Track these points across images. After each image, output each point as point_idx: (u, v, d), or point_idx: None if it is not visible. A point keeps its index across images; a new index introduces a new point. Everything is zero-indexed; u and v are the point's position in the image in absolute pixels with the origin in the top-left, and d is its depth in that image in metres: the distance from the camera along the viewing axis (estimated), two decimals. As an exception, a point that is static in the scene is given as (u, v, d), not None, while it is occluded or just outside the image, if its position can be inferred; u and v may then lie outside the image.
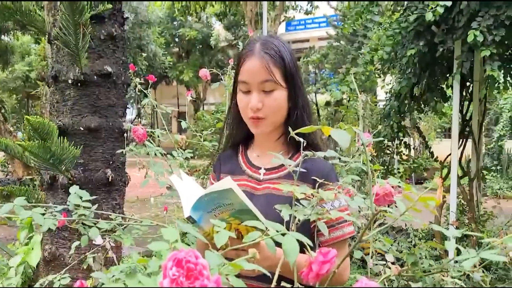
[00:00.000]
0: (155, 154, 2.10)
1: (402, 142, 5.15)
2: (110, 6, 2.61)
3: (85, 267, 1.67)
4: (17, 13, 2.92)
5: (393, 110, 4.83)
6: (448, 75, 4.54)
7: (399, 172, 5.42)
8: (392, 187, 0.83)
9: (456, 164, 4.27)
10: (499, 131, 13.05)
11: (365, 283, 0.57)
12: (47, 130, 2.30)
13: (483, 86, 4.27)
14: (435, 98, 4.70)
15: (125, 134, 2.78)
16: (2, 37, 12.40)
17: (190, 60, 23.93)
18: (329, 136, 0.70)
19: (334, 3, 15.63)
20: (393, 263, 1.30)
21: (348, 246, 1.30)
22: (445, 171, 4.89)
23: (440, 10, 3.55)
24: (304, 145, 1.09)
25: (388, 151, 5.17)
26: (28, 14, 2.94)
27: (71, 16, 2.34)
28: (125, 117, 2.87)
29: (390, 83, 6.05)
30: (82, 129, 2.63)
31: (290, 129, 1.00)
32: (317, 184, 1.04)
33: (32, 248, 3.09)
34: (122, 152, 2.25)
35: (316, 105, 14.59)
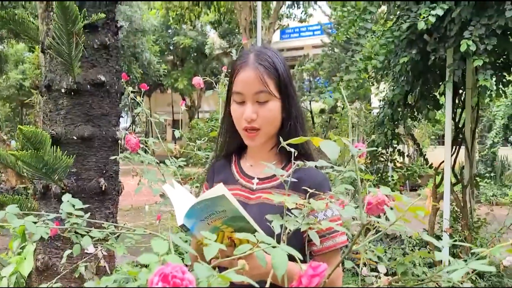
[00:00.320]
0: (148, 162, 2.10)
1: (396, 149, 5.17)
2: (103, 15, 2.61)
3: (77, 276, 1.66)
4: (11, 22, 2.92)
5: (387, 117, 4.86)
6: (440, 83, 4.57)
7: (393, 180, 5.43)
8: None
9: (449, 171, 4.29)
10: (492, 138, 13.13)
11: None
12: (40, 139, 2.29)
13: (475, 94, 4.30)
14: (428, 105, 4.73)
15: (119, 142, 2.77)
16: (-4, 45, 12.39)
17: (185, 68, 23.97)
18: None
19: (328, 11, 15.74)
20: (385, 274, 1.30)
21: (341, 256, 1.30)
22: (439, 178, 4.91)
23: (432, 19, 3.59)
24: (298, 155, 1.09)
25: (382, 159, 5.19)
26: (22, 23, 2.94)
27: (64, 25, 2.34)
28: (119, 126, 2.87)
29: (383, 91, 6.08)
30: (75, 138, 2.62)
31: (281, 139, 1.01)
32: (307, 194, 1.04)
33: (25, 258, 3.07)
34: (116, 159, 2.25)
35: (311, 112, 14.64)
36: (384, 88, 6.25)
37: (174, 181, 1.31)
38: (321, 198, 1.09)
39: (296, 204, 0.97)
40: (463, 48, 3.47)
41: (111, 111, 2.77)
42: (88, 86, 2.66)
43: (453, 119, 4.60)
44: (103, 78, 2.69)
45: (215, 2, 16.57)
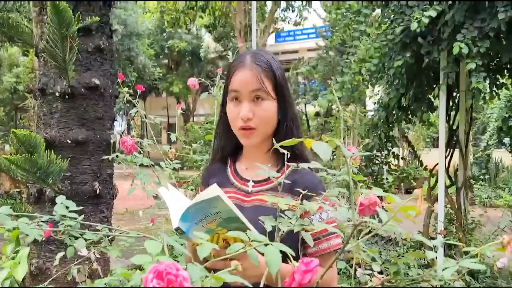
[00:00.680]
0: (142, 164, 2.11)
1: (391, 152, 5.19)
2: (97, 18, 2.61)
3: (69, 279, 1.66)
4: (5, 26, 2.91)
5: (381, 120, 4.88)
6: (434, 86, 4.60)
7: (388, 182, 5.45)
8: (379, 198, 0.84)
9: (443, 173, 4.31)
10: (486, 140, 13.20)
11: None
12: (34, 143, 2.28)
13: (469, 96, 4.32)
14: (422, 108, 4.75)
15: (113, 145, 2.77)
16: (-10, 49, 12.34)
17: (180, 71, 23.97)
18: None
19: (323, 14, 15.79)
20: (380, 272, 1.31)
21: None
22: (433, 180, 4.93)
23: (425, 20, 3.60)
24: (293, 157, 1.10)
25: (377, 161, 5.20)
26: (16, 27, 2.93)
27: (58, 29, 2.34)
28: (113, 130, 2.86)
29: (378, 94, 6.11)
30: (69, 141, 2.62)
31: (274, 141, 1.01)
32: (301, 196, 1.05)
33: (19, 262, 3.05)
34: (110, 163, 2.24)
35: (306, 116, 14.66)
36: (379, 91, 6.27)
37: (169, 184, 1.32)
38: (316, 200, 1.10)
39: (290, 206, 0.97)
40: (455, 50, 3.49)
41: (106, 114, 2.77)
42: (82, 90, 2.66)
43: (447, 121, 4.62)
44: (97, 82, 2.69)
45: (210, 6, 16.59)
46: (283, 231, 0.95)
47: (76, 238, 1.36)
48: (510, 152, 12.85)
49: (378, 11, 5.15)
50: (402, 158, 5.85)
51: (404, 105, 4.81)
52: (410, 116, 5.01)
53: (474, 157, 13.32)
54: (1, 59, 13.93)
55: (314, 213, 1.21)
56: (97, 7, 2.75)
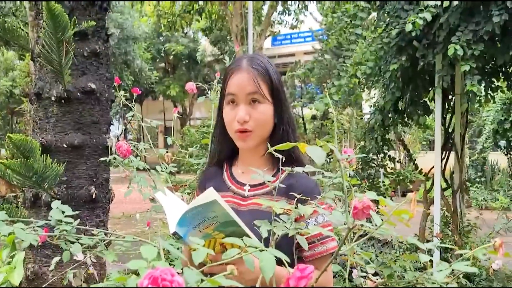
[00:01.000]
0: (138, 168, 2.11)
1: (387, 155, 5.21)
2: (93, 23, 2.62)
3: (65, 284, 1.66)
4: (1, 30, 2.91)
5: (377, 123, 4.89)
6: (430, 89, 4.62)
7: (384, 185, 5.47)
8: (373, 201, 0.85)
9: (439, 176, 4.33)
10: (482, 143, 13.25)
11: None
12: (30, 147, 2.28)
13: (465, 100, 4.34)
14: (418, 111, 4.77)
15: (109, 147, 2.76)
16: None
17: (177, 75, 23.98)
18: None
19: (319, 18, 15.83)
20: (375, 274, 1.31)
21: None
22: (429, 183, 4.94)
23: (420, 22, 3.62)
24: (289, 161, 1.10)
25: (373, 164, 5.21)
26: (12, 31, 2.93)
27: (54, 33, 2.34)
28: (109, 134, 2.86)
29: (374, 97, 6.13)
30: (65, 146, 2.61)
31: (268, 145, 1.02)
32: (295, 200, 1.05)
33: (15, 267, 3.04)
34: (106, 167, 2.24)
35: (303, 119, 14.67)
36: (375, 94, 6.30)
37: (166, 188, 1.32)
38: (311, 203, 1.11)
39: (286, 209, 0.98)
40: (450, 52, 3.51)
41: (102, 118, 2.76)
42: (79, 94, 2.65)
43: (443, 124, 4.64)
44: (93, 86, 2.69)
45: (206, 10, 16.60)
46: (278, 235, 0.95)
47: (72, 242, 1.36)
48: (506, 154, 12.91)
49: (374, 14, 5.18)
50: (398, 161, 5.87)
51: (400, 108, 4.83)
52: (406, 119, 5.02)
53: (470, 159, 13.38)
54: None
55: (309, 217, 1.22)
56: (93, 12, 2.75)
